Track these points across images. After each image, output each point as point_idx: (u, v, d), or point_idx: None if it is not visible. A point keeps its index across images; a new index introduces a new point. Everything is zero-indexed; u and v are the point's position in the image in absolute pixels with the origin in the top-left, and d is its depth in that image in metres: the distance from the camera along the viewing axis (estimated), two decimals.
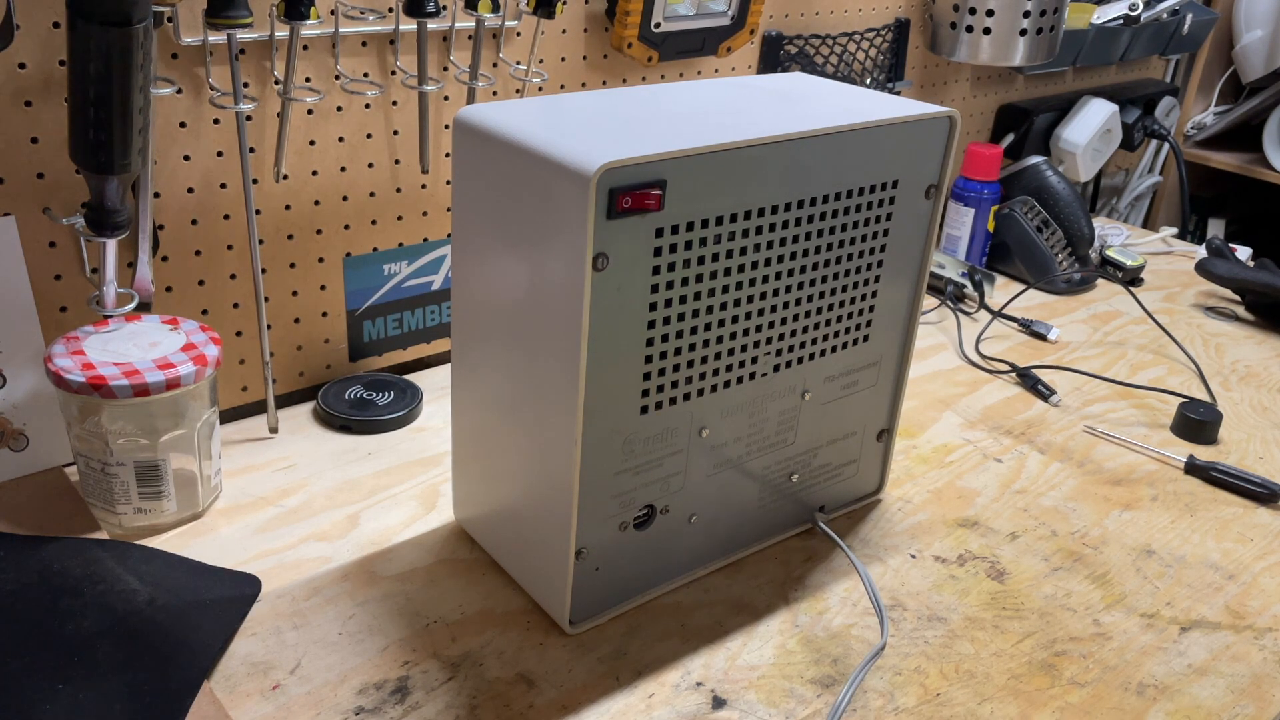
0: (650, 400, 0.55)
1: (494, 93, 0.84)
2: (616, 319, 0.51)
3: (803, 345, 0.61)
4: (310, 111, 0.75)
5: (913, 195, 0.62)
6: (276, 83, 0.72)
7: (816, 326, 0.61)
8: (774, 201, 0.55)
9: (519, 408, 0.57)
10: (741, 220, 0.54)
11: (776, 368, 0.61)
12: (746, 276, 0.56)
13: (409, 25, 0.77)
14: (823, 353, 0.63)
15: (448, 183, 0.85)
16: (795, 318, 0.60)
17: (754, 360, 0.59)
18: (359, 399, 0.80)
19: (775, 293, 0.58)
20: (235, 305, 0.77)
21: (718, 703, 0.55)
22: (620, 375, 0.53)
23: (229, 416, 0.79)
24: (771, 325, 0.59)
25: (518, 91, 0.85)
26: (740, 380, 0.59)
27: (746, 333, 0.58)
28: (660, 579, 0.62)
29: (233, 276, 0.76)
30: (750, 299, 0.57)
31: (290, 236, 0.78)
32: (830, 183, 0.57)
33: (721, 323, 0.56)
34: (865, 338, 0.65)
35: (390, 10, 0.76)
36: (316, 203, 0.78)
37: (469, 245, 0.57)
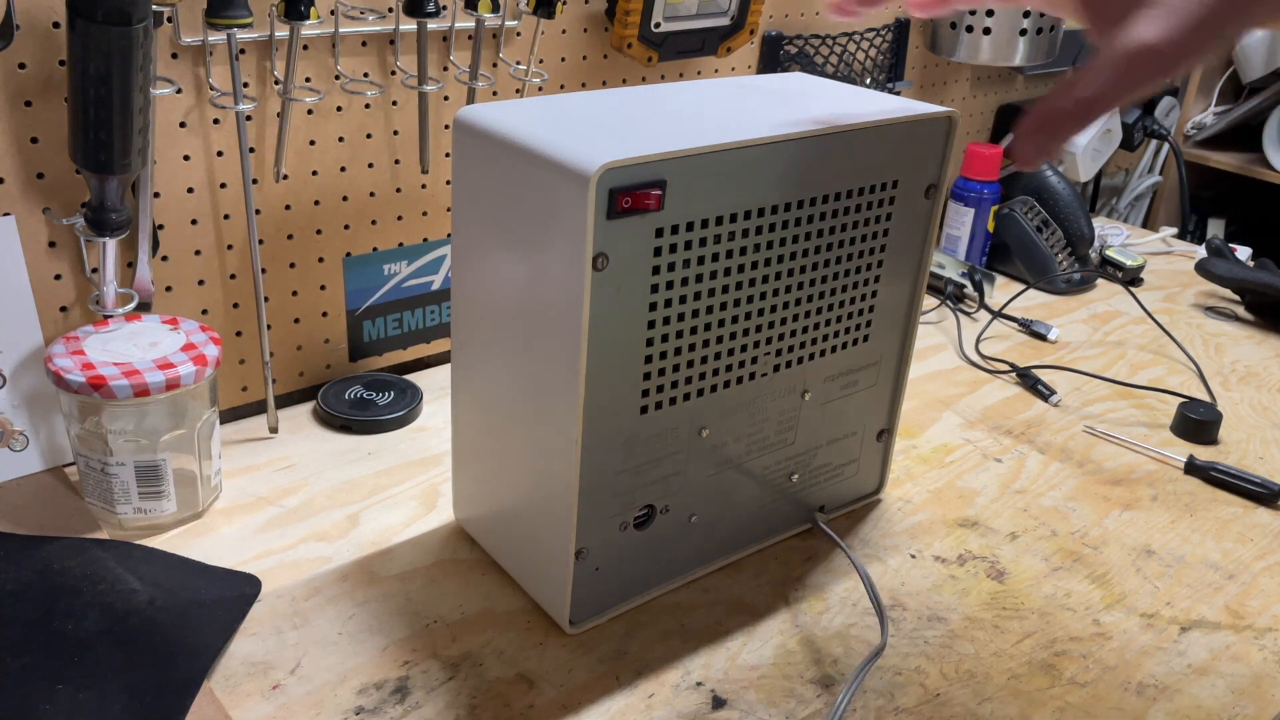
0: (650, 400, 0.55)
1: (494, 93, 0.84)
2: (616, 319, 0.51)
3: (803, 345, 0.61)
4: (310, 111, 0.75)
5: (912, 195, 0.62)
6: (276, 83, 0.72)
7: (816, 326, 0.61)
8: (774, 201, 0.55)
9: (519, 408, 0.57)
10: (741, 220, 0.54)
11: (776, 368, 0.61)
12: (746, 276, 0.56)
13: (409, 25, 0.77)
14: (823, 353, 0.63)
15: (448, 183, 0.85)
16: (795, 318, 0.60)
17: (754, 360, 0.59)
18: (359, 399, 0.80)
19: (775, 293, 0.58)
20: (235, 305, 0.77)
21: (718, 703, 0.55)
22: (620, 375, 0.53)
23: (229, 416, 0.79)
24: (771, 325, 0.59)
25: (518, 91, 0.85)
26: (740, 380, 0.59)
27: (746, 333, 0.58)
28: (660, 579, 0.62)
29: (233, 276, 0.76)
30: (750, 299, 0.57)
31: (290, 236, 0.78)
32: (830, 183, 0.57)
33: (721, 323, 0.56)
34: (865, 338, 0.65)
35: (390, 10, 0.76)
36: (316, 203, 0.78)
37: (469, 245, 0.57)
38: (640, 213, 0.50)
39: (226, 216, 0.74)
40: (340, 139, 0.77)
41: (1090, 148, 1.28)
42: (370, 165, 0.80)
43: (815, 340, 0.62)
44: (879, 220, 0.61)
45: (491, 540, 0.64)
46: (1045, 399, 0.89)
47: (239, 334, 0.78)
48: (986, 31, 1.08)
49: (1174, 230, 1.39)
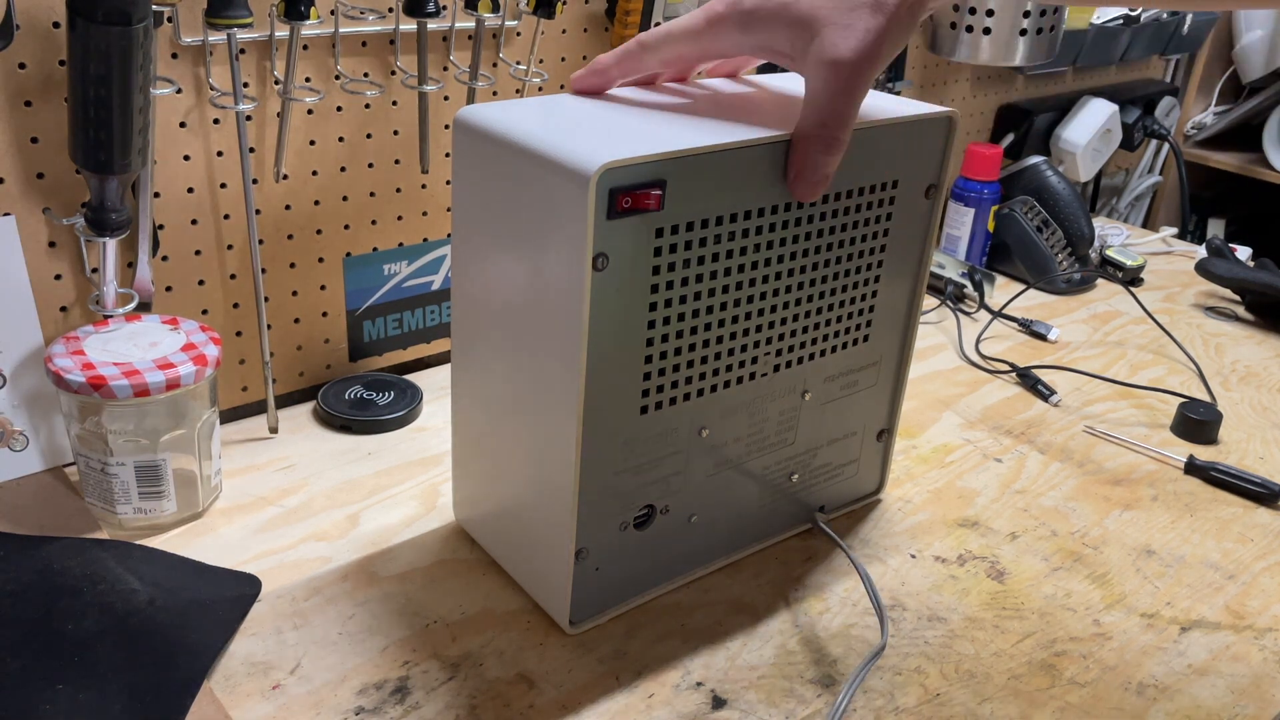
0: (650, 400, 0.55)
1: (494, 93, 0.84)
2: (616, 319, 0.51)
3: (803, 345, 0.61)
4: (310, 111, 0.75)
5: (913, 195, 0.62)
6: (276, 83, 0.72)
7: (816, 326, 0.61)
8: (774, 201, 0.55)
9: (519, 408, 0.57)
10: (741, 220, 0.54)
11: (776, 368, 0.61)
12: (746, 276, 0.56)
13: (409, 25, 0.77)
14: (823, 353, 0.63)
15: (448, 183, 0.85)
16: (795, 318, 0.60)
17: (754, 360, 0.59)
18: (359, 399, 0.80)
19: (775, 293, 0.58)
20: (235, 305, 0.77)
21: (718, 703, 0.55)
22: (620, 375, 0.53)
23: (229, 416, 0.79)
24: (771, 325, 0.59)
25: (518, 91, 0.85)
26: (740, 380, 0.59)
27: (746, 333, 0.58)
28: (660, 579, 0.62)
29: (233, 276, 0.76)
30: (750, 299, 0.57)
31: (290, 236, 0.78)
32: (830, 183, 0.57)
33: (721, 323, 0.56)
34: (865, 338, 0.65)
35: (390, 10, 0.76)
36: (316, 203, 0.78)
37: (469, 245, 0.57)
38: (640, 213, 0.50)
39: (226, 216, 0.74)
40: (340, 139, 0.77)
41: (1090, 148, 1.28)
42: (370, 165, 0.79)
43: (815, 340, 0.62)
44: (879, 220, 0.61)
45: (491, 540, 0.64)
46: (1045, 399, 0.89)
47: (239, 334, 0.78)
48: (986, 31, 1.08)
49: (1174, 230, 1.39)
